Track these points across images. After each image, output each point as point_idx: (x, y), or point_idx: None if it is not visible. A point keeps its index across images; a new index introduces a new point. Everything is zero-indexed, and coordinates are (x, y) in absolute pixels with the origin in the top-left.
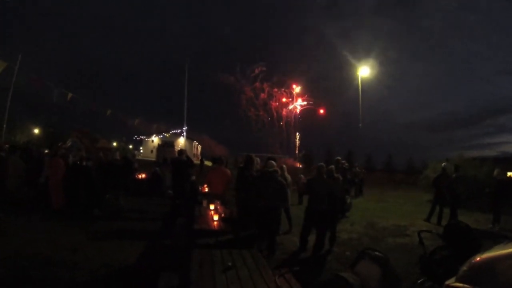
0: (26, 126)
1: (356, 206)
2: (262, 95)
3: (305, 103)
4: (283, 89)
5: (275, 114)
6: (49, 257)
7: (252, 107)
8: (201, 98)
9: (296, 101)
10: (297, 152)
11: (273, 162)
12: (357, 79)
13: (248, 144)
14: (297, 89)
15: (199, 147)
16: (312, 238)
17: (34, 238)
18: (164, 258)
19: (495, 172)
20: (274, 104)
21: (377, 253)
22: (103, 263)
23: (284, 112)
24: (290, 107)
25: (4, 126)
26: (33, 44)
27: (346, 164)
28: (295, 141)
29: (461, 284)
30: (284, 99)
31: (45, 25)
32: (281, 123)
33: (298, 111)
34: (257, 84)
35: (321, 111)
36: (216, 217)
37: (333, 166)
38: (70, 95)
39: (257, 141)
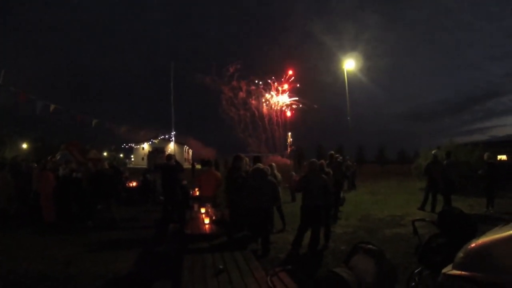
0: (14, 142)
1: (349, 200)
2: (241, 94)
3: (292, 99)
4: (261, 86)
5: (256, 112)
6: (42, 272)
7: (233, 107)
8: (184, 101)
9: (279, 95)
10: (288, 149)
11: (259, 163)
12: (343, 73)
13: (235, 144)
14: (280, 85)
15: (190, 151)
16: (306, 236)
17: (26, 253)
18: (158, 265)
19: (485, 156)
20: (254, 102)
21: (370, 246)
22: (98, 275)
23: (264, 109)
24: (274, 100)
25: None
26: (16, 56)
27: (340, 157)
28: (282, 138)
29: (458, 271)
30: (267, 95)
31: (27, 36)
32: (264, 121)
33: (283, 106)
34: (234, 83)
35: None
36: (207, 220)
37: (323, 161)
38: (53, 106)
39: (243, 141)
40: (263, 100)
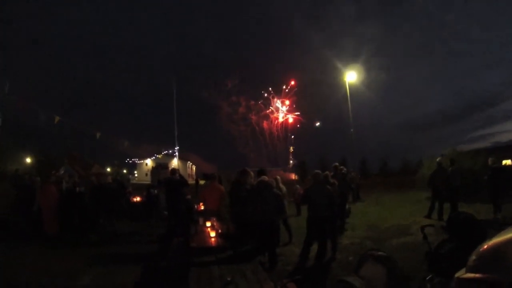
0: (16, 155)
1: (355, 211)
2: (241, 109)
3: (293, 115)
4: (261, 102)
5: (257, 127)
6: (44, 285)
7: (232, 123)
8: (184, 117)
9: (277, 112)
10: (290, 163)
11: (264, 176)
12: (344, 85)
13: (235, 159)
14: (278, 102)
15: (193, 167)
16: (313, 248)
17: (28, 266)
18: (162, 279)
19: (490, 161)
20: (254, 117)
21: (380, 253)
22: None
23: (265, 124)
24: (280, 116)
25: None
26: (18, 70)
27: (345, 169)
28: (284, 153)
29: (472, 275)
30: (268, 111)
31: (30, 50)
32: (265, 135)
33: (283, 120)
34: (234, 98)
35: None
36: (213, 234)
37: (327, 172)
38: (57, 118)
39: (244, 156)
40: (264, 114)
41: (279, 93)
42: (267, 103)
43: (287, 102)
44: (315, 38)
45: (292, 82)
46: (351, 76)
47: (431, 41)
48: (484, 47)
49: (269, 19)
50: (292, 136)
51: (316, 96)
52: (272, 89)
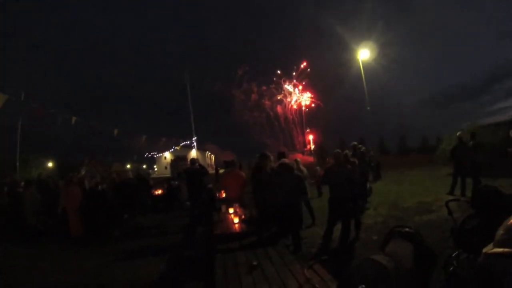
0: (39, 161)
1: (376, 190)
2: (253, 96)
3: (308, 95)
4: (273, 86)
5: (271, 113)
6: (73, 283)
7: (247, 110)
8: (201, 108)
9: (290, 95)
10: (308, 147)
11: (285, 159)
12: (358, 64)
13: (252, 147)
14: (290, 85)
15: (212, 157)
16: (336, 228)
17: (57, 266)
18: (189, 267)
19: (511, 133)
20: (268, 102)
21: (407, 229)
22: (129, 281)
23: (279, 109)
24: (293, 100)
25: (17, 164)
26: (32, 74)
27: (363, 148)
28: (299, 137)
29: (500, 249)
30: (279, 96)
31: (43, 54)
32: (280, 121)
33: (296, 103)
34: (245, 85)
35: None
36: (236, 220)
37: (347, 151)
38: (74, 118)
39: (260, 143)
40: (277, 99)
41: (291, 77)
42: (279, 87)
43: (300, 87)
44: (327, 18)
45: (304, 64)
46: (364, 54)
47: (445, 15)
48: (500, 16)
49: (277, 4)
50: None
51: (330, 77)
52: (283, 72)
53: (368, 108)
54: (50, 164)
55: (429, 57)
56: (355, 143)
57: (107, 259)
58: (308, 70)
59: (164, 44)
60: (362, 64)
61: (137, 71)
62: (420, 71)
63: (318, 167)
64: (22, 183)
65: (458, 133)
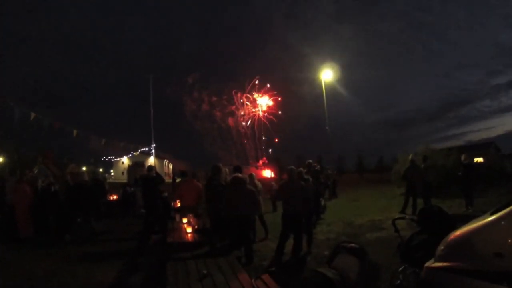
0: None
1: (330, 208)
2: (204, 106)
3: (266, 102)
4: (224, 97)
5: (223, 125)
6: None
7: (198, 120)
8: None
9: (242, 108)
10: (260, 162)
11: (240, 171)
12: (321, 83)
13: (205, 157)
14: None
15: (170, 165)
16: (289, 243)
17: (3, 269)
18: (140, 275)
19: (462, 157)
20: (219, 114)
21: (352, 244)
22: None
23: (230, 121)
24: (245, 113)
25: None
26: None
27: (318, 166)
28: (252, 151)
29: (440, 263)
30: (233, 107)
31: (6, 43)
32: (232, 134)
33: (255, 116)
34: (195, 94)
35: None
36: (189, 230)
37: (302, 168)
38: (33, 115)
39: (213, 154)
40: (229, 110)
41: (244, 90)
42: (231, 99)
43: (265, 100)
44: (292, 36)
45: (257, 79)
46: (327, 74)
47: (408, 41)
48: (460, 48)
49: (247, 16)
50: (264, 138)
51: (294, 94)
52: (236, 85)
53: (327, 127)
54: (0, 159)
55: (390, 81)
56: (310, 161)
57: (58, 264)
58: (265, 85)
59: (128, 44)
60: (325, 84)
61: (99, 71)
62: (381, 94)
63: (273, 183)
64: None
65: (410, 156)
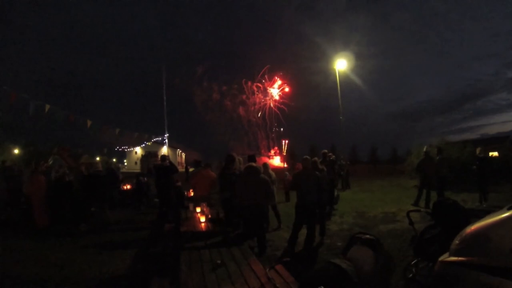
0: (5, 147)
1: (344, 198)
2: (215, 96)
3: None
4: (235, 87)
5: (234, 115)
6: (37, 275)
7: (209, 110)
8: (172, 105)
9: (253, 97)
10: (272, 151)
11: (253, 162)
12: (335, 73)
13: (219, 147)
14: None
15: (183, 155)
16: (301, 233)
17: (20, 258)
18: (154, 264)
19: (477, 151)
20: (230, 104)
21: (367, 236)
22: (94, 276)
23: (241, 111)
24: (275, 92)
25: None
26: (6, 59)
27: (333, 156)
28: (264, 141)
29: (455, 258)
30: (244, 97)
31: (18, 38)
32: (243, 123)
33: (260, 106)
34: (205, 84)
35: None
36: (203, 219)
37: (317, 158)
38: (48, 106)
39: (224, 144)
40: (239, 101)
41: (256, 79)
42: (242, 88)
43: (276, 90)
44: (305, 27)
45: (267, 67)
46: (341, 64)
47: (423, 31)
48: (475, 38)
49: (259, 8)
50: (282, 129)
51: (308, 84)
52: (250, 75)
53: (341, 117)
54: (16, 151)
55: (404, 71)
56: (325, 151)
57: (73, 253)
58: (279, 76)
59: (141, 37)
60: (339, 74)
61: (112, 63)
62: (395, 85)
63: (287, 173)
64: None
65: (425, 148)
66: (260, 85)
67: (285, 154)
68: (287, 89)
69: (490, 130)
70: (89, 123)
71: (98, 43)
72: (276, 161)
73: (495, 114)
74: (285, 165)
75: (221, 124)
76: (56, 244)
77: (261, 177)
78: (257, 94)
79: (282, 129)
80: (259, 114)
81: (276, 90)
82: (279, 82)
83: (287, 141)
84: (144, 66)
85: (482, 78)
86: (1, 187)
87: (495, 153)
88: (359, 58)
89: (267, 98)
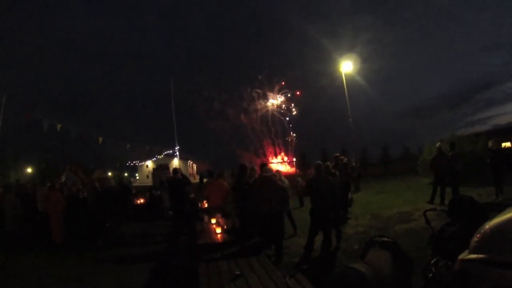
0: (19, 165)
1: (357, 201)
2: (216, 104)
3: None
4: (236, 94)
5: (237, 122)
6: None
7: (211, 118)
8: (181, 116)
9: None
10: (279, 157)
11: (268, 168)
12: (340, 76)
13: (226, 157)
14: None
15: (194, 166)
16: (317, 239)
17: (38, 274)
18: (171, 277)
19: (490, 144)
20: (231, 111)
21: (385, 238)
22: None
23: (243, 118)
24: (275, 100)
25: None
26: (16, 78)
27: (346, 159)
28: (269, 147)
29: (475, 255)
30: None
31: (29, 55)
32: (247, 130)
33: (264, 112)
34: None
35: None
36: (218, 230)
37: (329, 163)
38: (59, 125)
39: (232, 153)
40: (243, 107)
41: (261, 84)
42: (245, 95)
43: (278, 95)
44: (310, 29)
45: (265, 73)
46: (347, 66)
47: (428, 27)
48: (482, 29)
49: (263, 11)
50: (294, 135)
51: (312, 87)
52: (256, 79)
53: (350, 119)
54: (29, 170)
55: (412, 69)
56: (337, 154)
57: (90, 268)
58: (282, 80)
59: (150, 51)
60: (345, 75)
61: (119, 78)
62: (402, 82)
63: (299, 178)
64: (0, 189)
65: (437, 144)
66: (259, 90)
67: (293, 154)
68: (289, 95)
69: (502, 120)
70: (100, 139)
71: (106, 57)
72: (285, 167)
73: (505, 103)
74: (296, 170)
75: (226, 133)
76: (73, 260)
77: (277, 183)
78: (257, 100)
79: (294, 134)
80: (261, 120)
81: (278, 95)
82: (278, 89)
83: (292, 146)
84: (151, 78)
85: (490, 69)
86: (16, 205)
87: (508, 144)
88: (366, 58)
89: (268, 103)
